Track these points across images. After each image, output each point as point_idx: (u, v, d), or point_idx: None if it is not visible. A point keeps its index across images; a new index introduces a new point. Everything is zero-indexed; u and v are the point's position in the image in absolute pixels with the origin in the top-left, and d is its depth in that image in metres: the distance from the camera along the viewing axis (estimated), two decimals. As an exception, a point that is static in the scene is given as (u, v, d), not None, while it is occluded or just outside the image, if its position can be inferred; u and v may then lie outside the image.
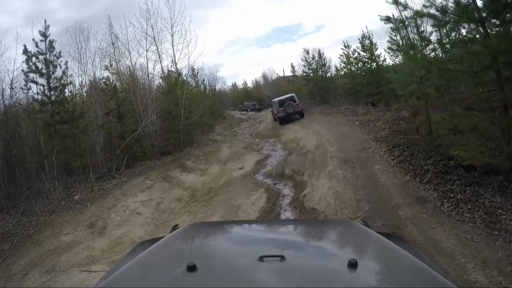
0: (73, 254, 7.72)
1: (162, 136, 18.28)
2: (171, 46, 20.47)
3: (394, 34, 10.58)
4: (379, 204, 7.02)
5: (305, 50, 30.53)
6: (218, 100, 37.44)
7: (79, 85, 15.68)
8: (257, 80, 56.33)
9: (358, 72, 24.03)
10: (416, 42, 8.92)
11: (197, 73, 28.75)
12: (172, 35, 20.30)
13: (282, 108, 22.13)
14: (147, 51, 19.15)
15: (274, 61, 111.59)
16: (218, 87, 41.03)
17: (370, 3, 78.89)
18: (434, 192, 7.09)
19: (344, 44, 24.96)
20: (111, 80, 17.08)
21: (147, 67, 19.40)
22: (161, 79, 20.92)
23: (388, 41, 14.22)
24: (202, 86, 31.27)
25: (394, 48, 9.88)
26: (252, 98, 48.27)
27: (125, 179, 13.29)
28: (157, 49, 19.64)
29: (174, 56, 20.68)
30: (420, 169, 8.09)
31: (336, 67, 30.10)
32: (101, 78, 16.83)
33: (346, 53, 24.95)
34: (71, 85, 14.78)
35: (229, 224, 3.18)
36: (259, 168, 12.46)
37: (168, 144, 17.95)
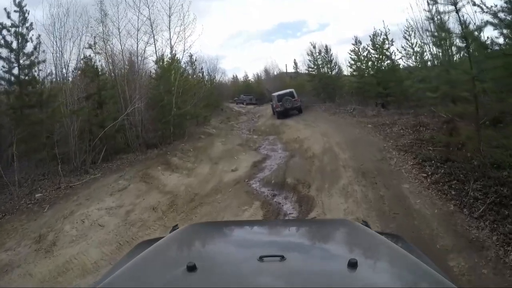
0: (5, 283, 5.90)
1: (150, 126, 16.35)
2: (168, 29, 18.40)
3: (435, 22, 8.65)
4: (419, 246, 5.08)
5: (311, 44, 28.62)
6: (216, 91, 35.71)
7: (54, 64, 13.49)
8: (259, 74, 54.73)
9: (368, 70, 22.32)
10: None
11: (195, 60, 26.76)
12: (169, 17, 18.24)
13: (281, 103, 22.12)
14: (138, 30, 17.04)
15: (277, 56, 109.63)
16: (218, 78, 38.88)
17: (375, 5, 77.95)
18: (492, 234, 5.18)
19: (356, 40, 22.99)
20: (94, 61, 14.92)
21: (137, 49, 17.27)
22: (154, 64, 18.85)
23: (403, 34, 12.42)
24: (200, 74, 29.22)
25: (440, 36, 7.82)
26: (253, 91, 46.41)
27: (99, 175, 11.42)
28: (152, 30, 17.62)
29: (170, 40, 18.61)
30: (467, 196, 6.16)
31: (339, 66, 28.64)
32: (82, 57, 14.71)
33: (356, 49, 23.09)
34: (44, 64, 12.67)
35: (229, 224, 3.41)
36: (255, 172, 10.51)
37: (155, 136, 16.03)
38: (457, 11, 6.45)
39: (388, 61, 20.49)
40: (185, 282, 1.39)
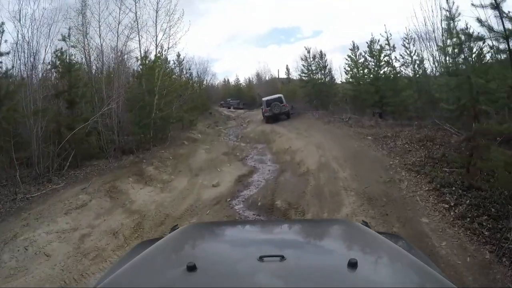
0: None
1: (128, 130, 14.88)
2: (154, 24, 16.91)
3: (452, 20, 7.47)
4: None
5: (306, 49, 27.34)
6: (206, 94, 34.60)
7: (18, 57, 11.89)
8: (251, 79, 53.92)
9: (365, 77, 21.62)
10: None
11: (183, 60, 25.34)
12: (156, 12, 16.75)
13: (269, 107, 22.72)
14: (119, 23, 15.51)
15: (269, 61, 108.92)
16: (208, 80, 37.66)
17: (370, 14, 78.59)
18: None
19: (353, 45, 22.13)
20: (66, 55, 13.29)
21: (117, 43, 15.72)
22: (137, 61, 17.33)
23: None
24: (187, 75, 27.86)
25: (488, 35, 6.42)
26: (244, 96, 46.01)
27: (62, 185, 9.96)
28: (137, 24, 16.13)
29: (156, 36, 17.11)
30: (506, 240, 4.83)
31: (332, 75, 27.75)
32: (55, 50, 13.12)
33: (353, 55, 22.21)
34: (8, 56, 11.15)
35: (229, 224, 3.67)
36: (239, 189, 9.11)
37: (132, 140, 14.55)
38: (497, 5, 5.16)
39: (387, 68, 19.49)
40: (185, 282, 1.38)
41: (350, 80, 22.83)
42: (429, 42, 16.05)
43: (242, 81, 54.82)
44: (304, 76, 27.87)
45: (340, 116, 19.48)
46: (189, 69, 28.46)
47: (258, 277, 1.40)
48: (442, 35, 14.26)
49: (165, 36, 17.22)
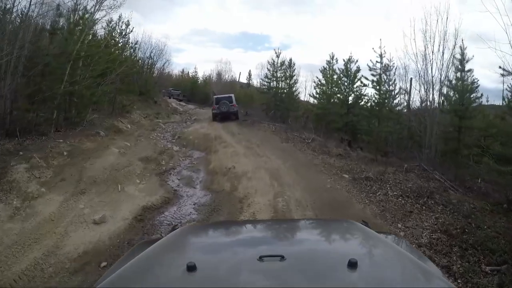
0: None
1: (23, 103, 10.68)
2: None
3: None
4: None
5: (276, 53, 24.01)
6: (156, 79, 30.55)
7: None
8: (210, 76, 50.35)
9: (335, 96, 19.56)
10: None
11: (131, 30, 21.08)
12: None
13: (218, 105, 22.02)
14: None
15: (233, 63, 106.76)
16: (162, 64, 33.12)
17: (341, 39, 78.71)
18: None
19: (331, 57, 19.80)
20: None
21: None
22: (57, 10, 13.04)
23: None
24: (131, 50, 23.63)
25: None
26: (199, 91, 43.43)
27: None
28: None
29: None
30: None
31: (296, 86, 25.10)
32: None
33: (328, 69, 20.08)
34: None
35: (229, 224, 3.49)
36: (132, 239, 5.31)
37: (24, 117, 10.36)
38: None
39: (369, 91, 17.16)
40: (185, 282, 1.34)
41: (318, 96, 20.58)
42: (424, 72, 13.19)
43: (200, 76, 51.08)
44: (267, 82, 24.82)
45: (300, 135, 16.29)
46: (136, 44, 24.08)
47: (258, 277, 1.36)
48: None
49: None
